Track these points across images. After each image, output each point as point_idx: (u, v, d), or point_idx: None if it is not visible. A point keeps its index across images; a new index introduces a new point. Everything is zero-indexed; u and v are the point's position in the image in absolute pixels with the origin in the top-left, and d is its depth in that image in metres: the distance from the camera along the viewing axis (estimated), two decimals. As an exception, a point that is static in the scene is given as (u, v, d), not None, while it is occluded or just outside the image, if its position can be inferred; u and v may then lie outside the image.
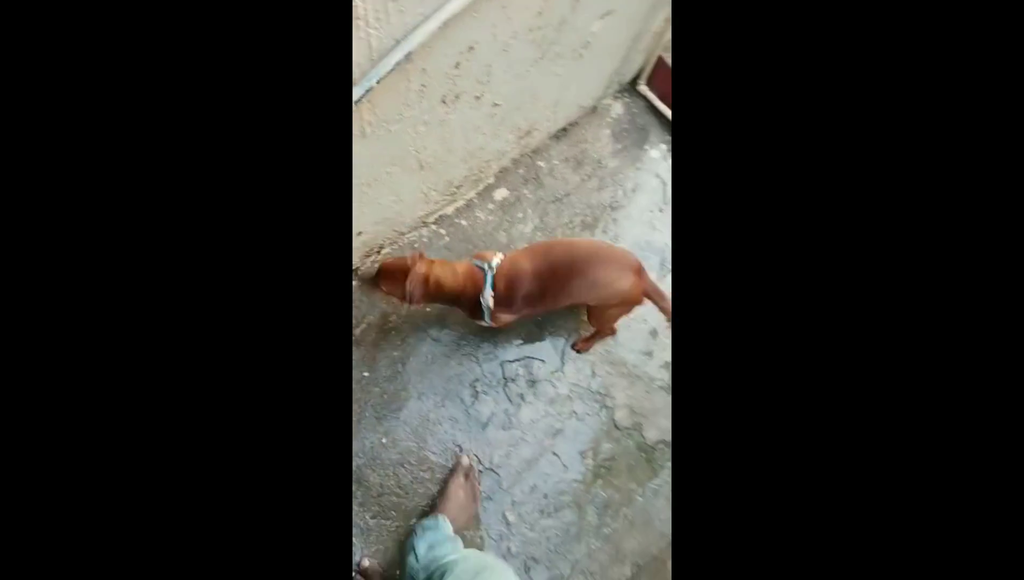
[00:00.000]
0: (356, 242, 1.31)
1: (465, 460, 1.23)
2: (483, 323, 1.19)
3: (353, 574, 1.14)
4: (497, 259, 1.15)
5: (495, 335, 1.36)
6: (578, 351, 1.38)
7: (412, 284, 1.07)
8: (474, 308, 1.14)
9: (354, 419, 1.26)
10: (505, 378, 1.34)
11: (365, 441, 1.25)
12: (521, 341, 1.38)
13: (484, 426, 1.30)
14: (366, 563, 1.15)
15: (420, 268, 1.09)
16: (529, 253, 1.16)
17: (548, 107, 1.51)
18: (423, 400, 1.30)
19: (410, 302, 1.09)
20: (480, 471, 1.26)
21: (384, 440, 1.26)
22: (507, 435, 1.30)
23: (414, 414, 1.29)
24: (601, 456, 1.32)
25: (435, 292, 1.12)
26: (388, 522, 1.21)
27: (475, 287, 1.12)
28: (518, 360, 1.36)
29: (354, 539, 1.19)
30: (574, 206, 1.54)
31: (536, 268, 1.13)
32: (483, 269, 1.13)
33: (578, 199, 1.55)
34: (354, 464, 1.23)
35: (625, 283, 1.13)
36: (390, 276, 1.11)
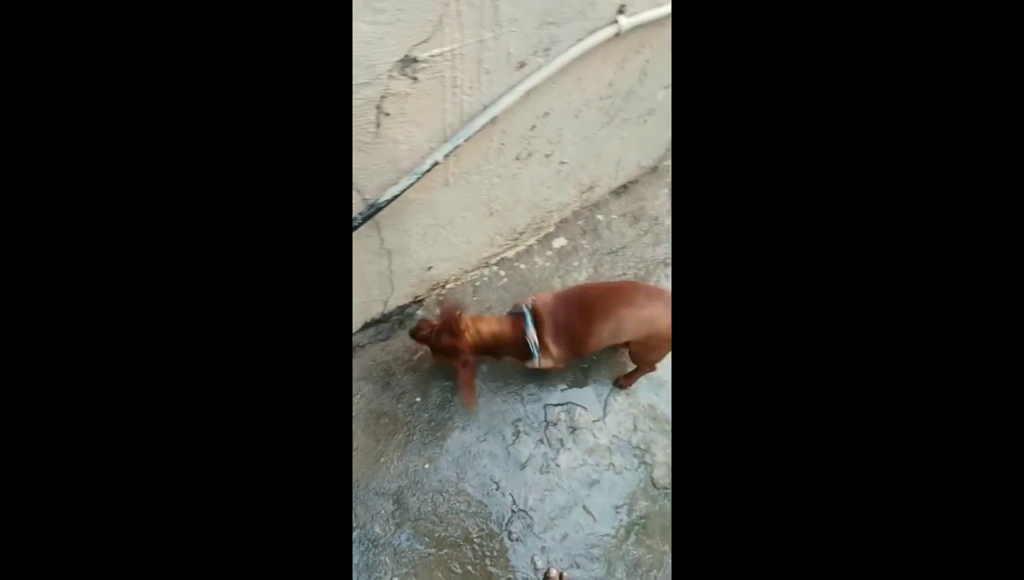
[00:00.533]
0: (425, 276, 1.42)
1: (554, 573, 1.22)
2: (533, 364, 1.23)
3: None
4: (530, 300, 1.21)
5: (540, 378, 1.40)
6: (621, 387, 1.41)
7: (466, 354, 1.15)
8: (522, 349, 1.19)
9: (403, 441, 1.33)
10: (547, 421, 1.37)
11: (410, 464, 1.31)
12: (565, 386, 1.41)
13: (522, 467, 1.33)
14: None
15: (468, 335, 1.16)
16: (563, 292, 1.23)
17: (611, 166, 1.61)
18: (467, 432, 1.35)
19: (466, 366, 1.17)
20: (513, 511, 1.28)
21: (427, 466, 1.31)
22: (543, 479, 1.32)
23: (457, 444, 1.34)
24: (636, 513, 1.30)
25: (486, 346, 1.19)
26: (421, 547, 1.24)
27: (518, 329, 1.18)
28: (561, 405, 1.39)
29: (385, 557, 1.23)
30: (628, 259, 1.59)
31: (572, 302, 1.19)
32: (520, 311, 1.20)
33: (633, 252, 1.60)
34: (396, 484, 1.29)
35: (666, 322, 1.16)
36: (440, 350, 1.19)
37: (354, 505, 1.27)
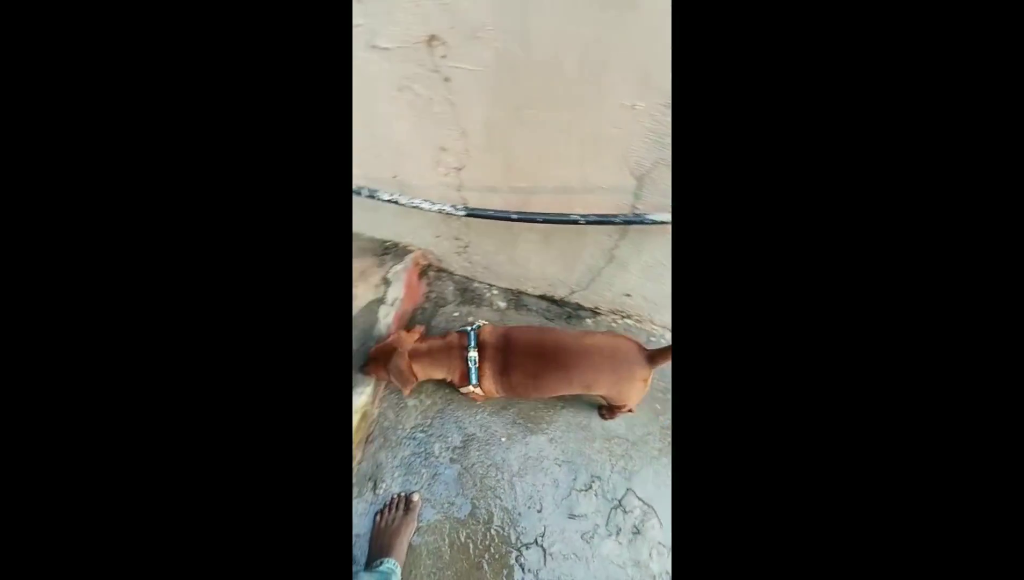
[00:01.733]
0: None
1: (416, 498, 1.25)
2: (468, 388, 1.17)
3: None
4: (480, 322, 1.18)
5: (640, 465, 1.33)
6: (603, 417, 1.36)
7: (395, 364, 1.14)
8: (460, 368, 1.15)
9: (503, 407, 1.40)
10: (621, 504, 1.30)
11: (493, 425, 1.38)
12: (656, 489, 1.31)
13: (570, 517, 1.28)
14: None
15: (404, 345, 1.16)
16: (518, 328, 1.18)
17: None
18: (552, 445, 1.36)
19: (402, 382, 1.17)
20: (537, 541, 1.24)
21: (504, 439, 1.36)
22: (579, 543, 1.25)
23: (536, 447, 1.36)
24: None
25: (423, 358, 1.16)
26: (453, 492, 1.29)
27: (461, 346, 1.15)
28: (642, 502, 1.30)
29: (424, 470, 1.30)
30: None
31: (525, 341, 1.12)
32: (467, 330, 1.16)
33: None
34: (474, 430, 1.37)
35: (634, 386, 1.10)
36: (374, 361, 1.21)
37: (433, 418, 1.39)
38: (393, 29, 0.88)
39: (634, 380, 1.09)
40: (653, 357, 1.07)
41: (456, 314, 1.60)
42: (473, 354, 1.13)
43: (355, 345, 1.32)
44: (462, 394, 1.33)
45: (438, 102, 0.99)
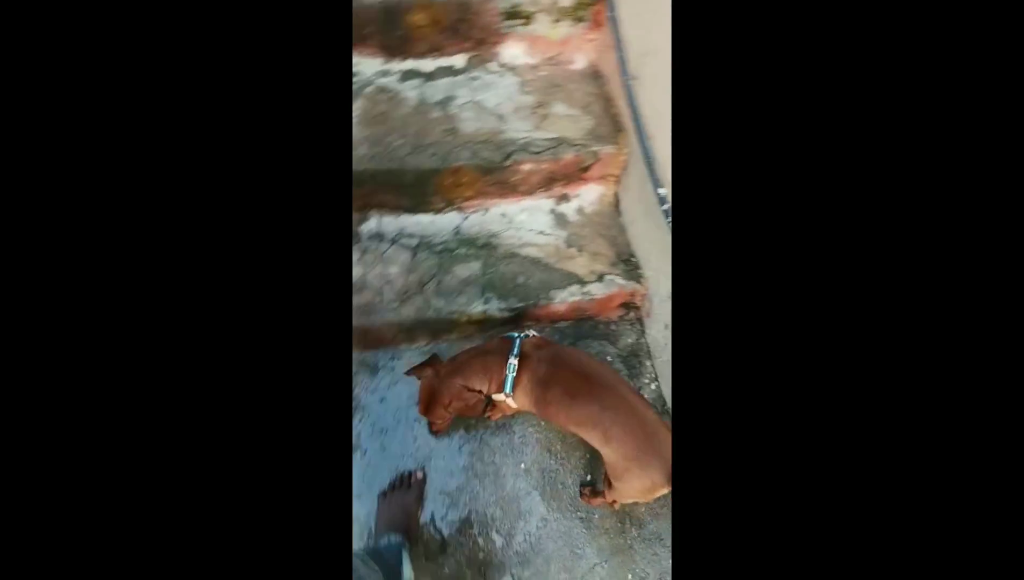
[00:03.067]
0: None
1: (421, 474, 1.22)
2: (501, 397, 1.09)
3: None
4: (530, 332, 1.12)
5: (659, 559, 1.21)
6: (582, 496, 1.21)
7: (449, 395, 1.05)
8: (499, 379, 1.07)
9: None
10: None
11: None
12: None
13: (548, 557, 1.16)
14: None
15: (439, 377, 1.06)
16: (574, 349, 1.13)
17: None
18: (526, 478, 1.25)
19: (468, 408, 1.09)
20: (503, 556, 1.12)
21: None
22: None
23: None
24: None
25: (462, 370, 1.07)
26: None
27: (502, 352, 1.07)
28: None
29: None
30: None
31: (579, 362, 1.07)
32: (512, 336, 1.09)
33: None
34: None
35: (637, 477, 0.99)
36: (430, 411, 1.10)
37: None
38: None
39: (644, 470, 0.98)
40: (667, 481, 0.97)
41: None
42: (513, 362, 1.05)
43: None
44: (489, 412, 1.24)
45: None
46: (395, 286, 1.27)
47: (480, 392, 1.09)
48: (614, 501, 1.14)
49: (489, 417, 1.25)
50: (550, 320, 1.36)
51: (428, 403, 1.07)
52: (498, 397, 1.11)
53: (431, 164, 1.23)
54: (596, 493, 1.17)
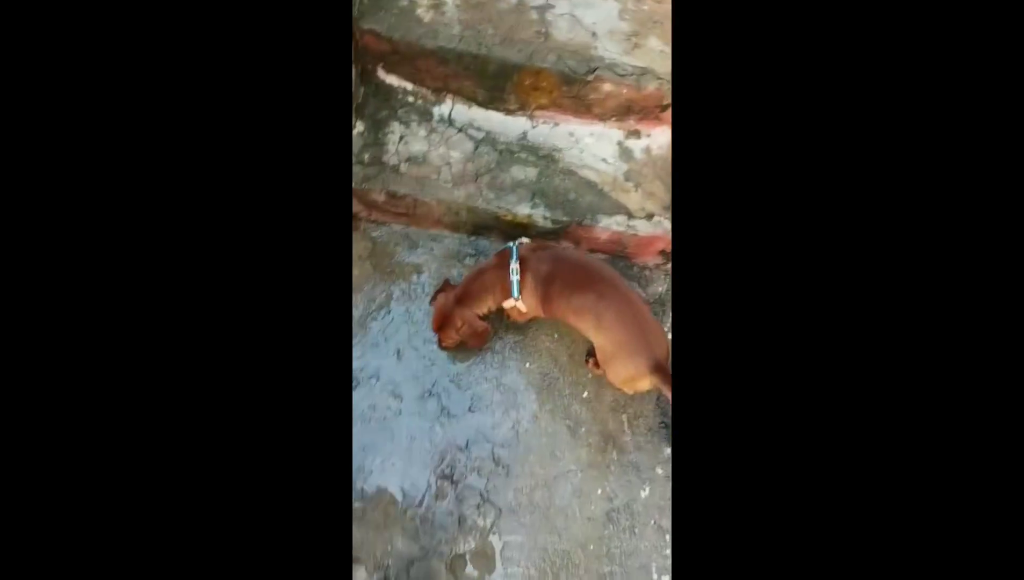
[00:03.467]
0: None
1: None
2: (511, 303, 1.17)
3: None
4: (522, 239, 1.20)
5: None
6: (587, 363, 1.29)
7: (460, 321, 1.15)
8: (505, 286, 1.15)
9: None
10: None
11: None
12: None
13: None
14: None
15: (449, 302, 1.16)
16: (568, 247, 1.24)
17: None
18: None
19: (476, 336, 1.18)
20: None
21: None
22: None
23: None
24: None
25: (471, 296, 1.16)
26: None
27: (502, 264, 1.16)
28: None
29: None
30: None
31: (575, 257, 1.17)
32: (508, 247, 1.17)
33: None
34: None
35: (624, 365, 1.08)
36: (443, 333, 1.20)
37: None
38: None
39: (630, 361, 1.06)
40: (658, 367, 1.04)
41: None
42: (515, 266, 1.13)
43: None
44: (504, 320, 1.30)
45: None
46: (453, 169, 1.32)
47: (487, 320, 1.19)
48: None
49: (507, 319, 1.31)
50: (588, 246, 1.38)
51: (442, 323, 1.18)
52: (508, 304, 1.18)
53: (516, 59, 1.25)
54: (596, 362, 1.26)
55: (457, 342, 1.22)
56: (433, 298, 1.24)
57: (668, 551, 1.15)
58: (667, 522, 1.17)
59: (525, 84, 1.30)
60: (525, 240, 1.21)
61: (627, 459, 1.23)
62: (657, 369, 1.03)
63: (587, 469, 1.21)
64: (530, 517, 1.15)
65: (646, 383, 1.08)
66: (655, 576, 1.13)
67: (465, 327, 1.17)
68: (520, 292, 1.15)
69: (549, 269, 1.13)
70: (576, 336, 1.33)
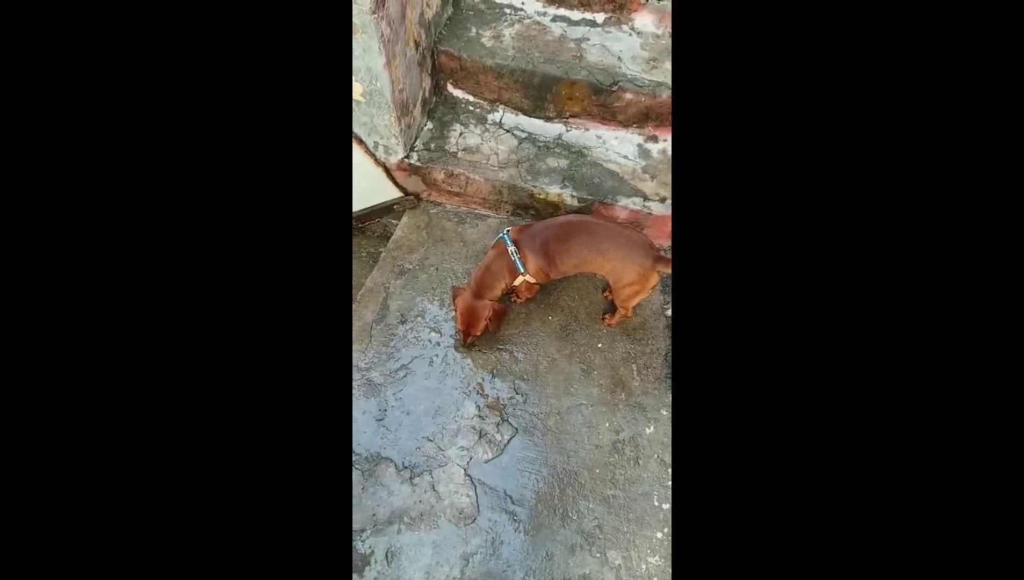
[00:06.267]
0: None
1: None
2: (521, 278, 1.34)
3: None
4: (506, 228, 1.38)
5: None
6: (607, 324, 1.48)
7: (486, 313, 1.33)
8: (511, 266, 1.34)
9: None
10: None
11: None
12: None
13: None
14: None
15: (467, 298, 1.34)
16: (541, 222, 1.37)
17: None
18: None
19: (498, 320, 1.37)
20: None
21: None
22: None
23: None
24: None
25: (485, 285, 1.33)
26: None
27: (500, 252, 1.34)
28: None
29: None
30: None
31: (556, 221, 1.34)
32: (499, 237, 1.36)
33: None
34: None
35: (634, 270, 1.27)
36: (468, 331, 1.35)
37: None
38: None
39: (634, 263, 1.26)
40: (659, 258, 1.25)
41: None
42: (512, 248, 1.33)
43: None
44: (516, 297, 1.48)
45: None
46: (500, 157, 1.63)
47: (502, 303, 1.39)
48: (625, 315, 1.43)
49: (516, 300, 1.49)
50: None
51: (468, 320, 1.33)
52: (518, 281, 1.37)
53: (556, 72, 1.58)
54: (611, 318, 1.46)
55: (477, 336, 1.37)
56: (453, 299, 1.38)
57: (670, 483, 1.24)
58: (670, 458, 1.27)
59: (563, 94, 1.62)
60: (509, 228, 1.39)
61: (634, 400, 1.36)
62: (658, 259, 1.25)
63: (597, 405, 1.35)
64: (543, 438, 1.29)
65: (655, 276, 1.27)
66: (656, 503, 1.21)
67: (489, 312, 1.33)
68: (524, 266, 1.33)
69: (541, 238, 1.31)
70: (594, 297, 1.53)
